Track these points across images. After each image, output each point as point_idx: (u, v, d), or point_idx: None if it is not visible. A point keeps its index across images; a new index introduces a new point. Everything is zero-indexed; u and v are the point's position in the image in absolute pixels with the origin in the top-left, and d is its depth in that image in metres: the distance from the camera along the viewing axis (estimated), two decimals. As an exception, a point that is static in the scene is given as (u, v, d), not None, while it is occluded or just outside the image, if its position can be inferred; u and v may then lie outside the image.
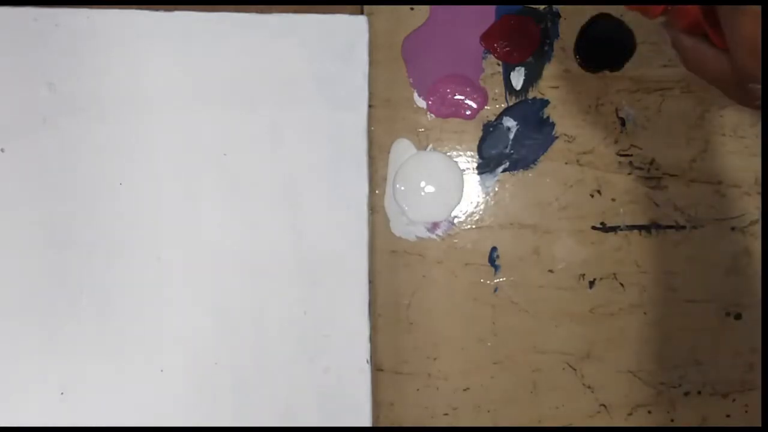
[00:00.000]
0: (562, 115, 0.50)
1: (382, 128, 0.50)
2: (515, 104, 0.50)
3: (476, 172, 0.50)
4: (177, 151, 0.47)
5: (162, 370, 0.46)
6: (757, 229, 0.50)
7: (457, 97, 0.50)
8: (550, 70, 0.50)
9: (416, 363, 0.49)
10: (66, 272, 0.46)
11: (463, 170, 0.50)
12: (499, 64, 0.50)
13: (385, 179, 0.50)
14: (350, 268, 0.47)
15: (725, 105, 0.50)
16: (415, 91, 0.50)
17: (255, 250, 0.47)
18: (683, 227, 0.50)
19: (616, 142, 0.50)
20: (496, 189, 0.50)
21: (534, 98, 0.50)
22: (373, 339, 0.48)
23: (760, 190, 0.50)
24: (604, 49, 0.49)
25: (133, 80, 0.47)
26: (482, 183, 0.50)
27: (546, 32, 0.50)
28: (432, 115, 0.50)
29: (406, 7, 0.49)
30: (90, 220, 0.46)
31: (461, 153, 0.50)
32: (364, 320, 0.47)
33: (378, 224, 0.49)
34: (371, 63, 0.48)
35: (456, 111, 0.50)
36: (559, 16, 0.50)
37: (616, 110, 0.50)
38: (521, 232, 0.50)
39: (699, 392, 0.50)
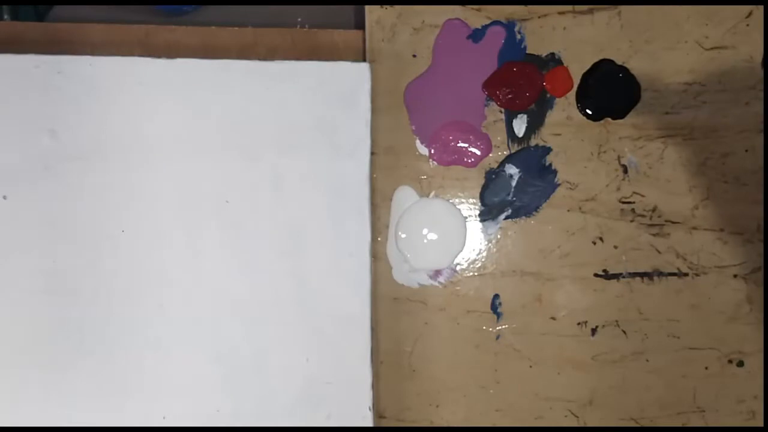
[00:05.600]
0: (564, 162, 0.50)
1: (385, 176, 0.50)
2: (517, 151, 0.50)
3: (478, 219, 0.50)
4: (179, 198, 0.47)
5: (164, 417, 0.46)
6: (760, 276, 0.50)
7: (460, 144, 0.50)
8: (552, 117, 0.50)
9: (418, 410, 0.49)
10: (67, 319, 0.46)
11: (466, 217, 0.50)
12: (501, 112, 0.50)
13: (387, 226, 0.50)
14: (352, 315, 0.47)
15: (727, 152, 0.50)
16: (417, 138, 0.50)
17: (257, 297, 0.47)
18: (685, 274, 0.50)
19: (618, 189, 0.50)
20: (499, 236, 0.50)
21: (536, 145, 0.50)
22: (375, 386, 0.48)
23: (762, 237, 0.50)
24: (606, 98, 0.49)
25: (135, 128, 0.46)
26: (484, 230, 0.50)
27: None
28: (434, 162, 0.50)
29: (409, 55, 0.49)
30: (92, 267, 0.46)
31: (463, 200, 0.50)
32: (366, 367, 0.47)
33: (380, 271, 0.49)
34: (373, 110, 0.48)
35: (458, 158, 0.50)
36: (561, 63, 0.50)
37: (619, 157, 0.50)
38: (523, 280, 0.50)
39: (701, 438, 0.50)
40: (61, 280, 0.46)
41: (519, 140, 0.50)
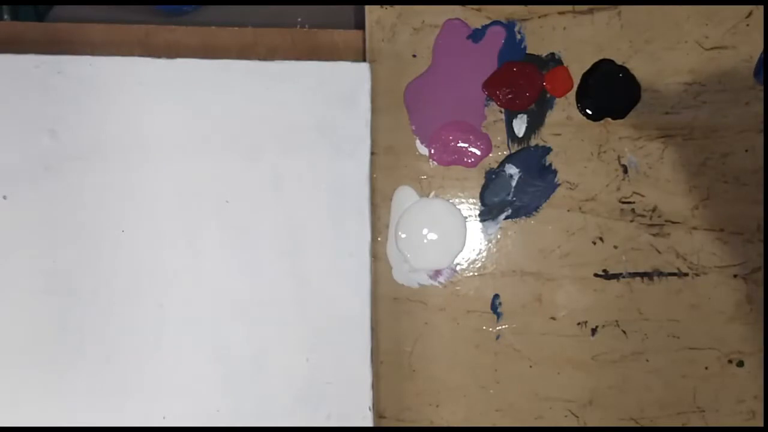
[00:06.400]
0: (564, 162, 0.50)
1: (385, 176, 0.50)
2: (517, 151, 0.50)
3: (478, 219, 0.50)
4: (179, 198, 0.47)
5: (164, 417, 0.46)
6: (760, 276, 0.50)
7: (460, 144, 0.50)
8: (552, 117, 0.50)
9: (418, 410, 0.49)
10: (67, 319, 0.46)
11: (466, 217, 0.50)
12: (501, 112, 0.50)
13: (387, 227, 0.50)
14: (352, 315, 0.47)
15: (727, 152, 0.50)
16: (417, 138, 0.50)
17: (257, 297, 0.47)
18: (685, 274, 0.50)
19: (618, 189, 0.50)
20: (499, 236, 0.50)
21: (536, 145, 0.50)
22: (375, 386, 0.48)
23: (762, 237, 0.50)
24: (606, 98, 0.49)
25: (135, 128, 0.46)
26: (484, 230, 0.50)
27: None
28: (434, 162, 0.50)
29: (409, 55, 0.49)
30: (92, 268, 0.46)
31: (463, 200, 0.50)
32: (366, 367, 0.47)
33: (380, 271, 0.49)
34: (373, 110, 0.48)
35: (458, 158, 0.50)
36: (561, 63, 0.50)
37: (619, 158, 0.50)
38: (523, 280, 0.50)
39: (701, 438, 0.50)
40: (61, 280, 0.46)
41: (519, 140, 0.50)
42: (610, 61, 0.50)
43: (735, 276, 0.50)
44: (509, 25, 0.50)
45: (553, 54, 0.50)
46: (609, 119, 0.50)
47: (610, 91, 0.49)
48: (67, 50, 0.48)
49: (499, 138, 0.50)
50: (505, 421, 0.49)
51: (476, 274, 0.50)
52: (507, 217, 0.50)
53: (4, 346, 0.45)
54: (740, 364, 0.50)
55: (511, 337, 0.50)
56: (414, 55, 0.50)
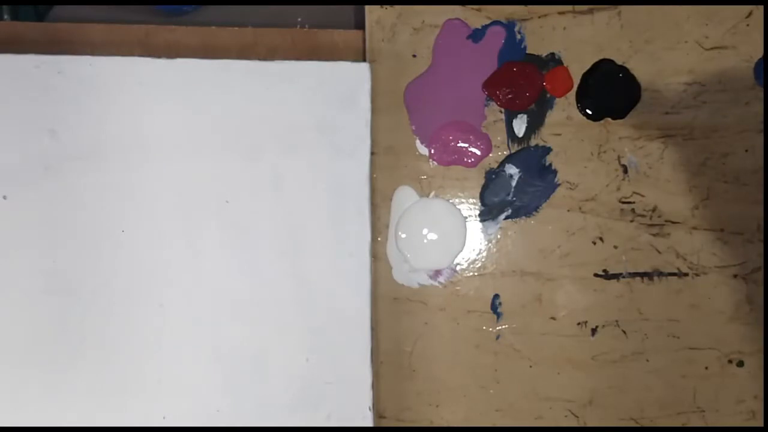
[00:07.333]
0: (564, 162, 0.50)
1: (385, 176, 0.50)
2: (517, 151, 0.50)
3: (478, 219, 0.50)
4: (179, 198, 0.47)
5: (164, 417, 0.46)
6: (760, 276, 0.50)
7: (460, 144, 0.50)
8: (552, 117, 0.50)
9: (418, 410, 0.49)
10: (67, 319, 0.46)
11: (466, 217, 0.50)
12: (501, 112, 0.50)
13: (387, 227, 0.50)
14: (352, 315, 0.47)
15: (727, 152, 0.50)
16: (417, 138, 0.50)
17: (257, 297, 0.47)
18: (685, 274, 0.50)
19: (618, 189, 0.50)
20: (499, 236, 0.50)
21: (536, 145, 0.50)
22: (375, 386, 0.48)
23: (762, 237, 0.50)
24: (606, 98, 0.49)
25: (135, 128, 0.46)
26: (484, 230, 0.50)
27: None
28: (434, 162, 0.50)
29: (409, 55, 0.49)
30: (92, 268, 0.46)
31: (463, 200, 0.50)
32: (366, 367, 0.47)
33: (380, 271, 0.49)
34: (373, 110, 0.48)
35: (458, 158, 0.50)
36: (561, 63, 0.50)
37: (619, 157, 0.50)
38: (523, 280, 0.50)
39: (701, 438, 0.50)
40: (61, 280, 0.46)
41: (519, 140, 0.50)
42: (610, 61, 0.50)
43: (735, 276, 0.50)
44: (509, 25, 0.50)
45: (553, 54, 0.50)
46: (609, 119, 0.50)
47: (610, 91, 0.50)
48: (67, 50, 0.48)
49: (499, 138, 0.50)
50: (505, 421, 0.49)
51: (476, 274, 0.50)
52: (507, 217, 0.50)
53: (4, 346, 0.45)
54: (740, 364, 0.50)
55: (511, 337, 0.50)
56: (414, 55, 0.50)
